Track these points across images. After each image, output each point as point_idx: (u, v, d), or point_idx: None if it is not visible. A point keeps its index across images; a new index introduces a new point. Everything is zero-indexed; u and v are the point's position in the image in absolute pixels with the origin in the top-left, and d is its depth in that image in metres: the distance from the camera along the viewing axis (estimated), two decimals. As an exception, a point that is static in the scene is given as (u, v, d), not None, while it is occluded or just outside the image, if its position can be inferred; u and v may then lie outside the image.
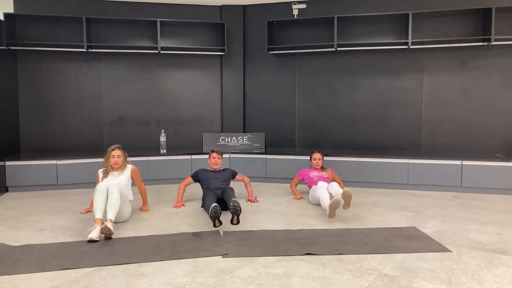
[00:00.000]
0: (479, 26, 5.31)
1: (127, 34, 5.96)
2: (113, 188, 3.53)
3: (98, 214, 3.37)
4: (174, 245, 3.13)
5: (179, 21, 5.96)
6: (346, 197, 3.80)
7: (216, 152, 4.52)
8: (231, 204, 3.60)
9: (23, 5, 5.71)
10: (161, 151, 5.74)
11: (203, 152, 5.76)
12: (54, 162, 5.22)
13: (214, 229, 3.50)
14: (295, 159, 5.53)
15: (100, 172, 4.03)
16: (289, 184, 4.99)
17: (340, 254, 2.93)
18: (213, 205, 3.49)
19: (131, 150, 4.76)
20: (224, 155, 5.04)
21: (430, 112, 5.64)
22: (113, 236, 3.28)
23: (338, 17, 5.57)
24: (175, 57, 6.19)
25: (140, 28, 5.97)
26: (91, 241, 3.18)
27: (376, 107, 5.85)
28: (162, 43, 5.87)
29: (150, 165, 5.51)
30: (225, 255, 2.93)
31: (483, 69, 5.40)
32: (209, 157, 4.52)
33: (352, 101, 5.96)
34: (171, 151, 5.85)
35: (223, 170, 4.53)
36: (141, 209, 4.21)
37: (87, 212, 4.09)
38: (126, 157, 4.08)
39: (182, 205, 4.37)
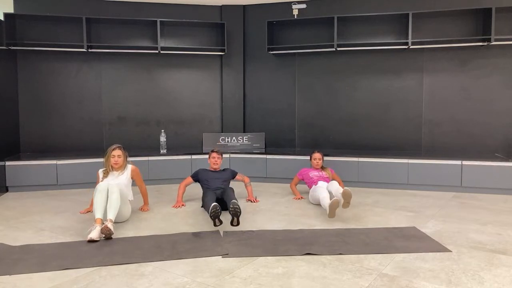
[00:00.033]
0: (479, 26, 5.31)
1: (127, 34, 5.96)
2: (113, 188, 3.53)
3: (98, 214, 3.37)
4: (174, 245, 3.13)
5: (179, 21, 5.96)
6: (346, 196, 3.80)
7: (216, 152, 4.52)
8: (231, 206, 3.58)
9: (23, 5, 5.71)
10: (161, 151, 5.74)
11: (203, 152, 5.76)
12: (54, 162, 5.22)
13: (214, 229, 3.50)
14: (295, 159, 5.53)
15: (100, 172, 4.03)
16: (289, 184, 5.00)
17: (340, 254, 2.93)
18: (213, 204, 3.49)
19: (131, 150, 4.76)
20: (224, 155, 5.05)
21: (430, 112, 5.64)
22: (113, 236, 3.29)
23: (338, 17, 5.57)
24: (175, 57, 6.19)
25: (140, 28, 5.97)
26: (91, 241, 3.18)
27: (376, 107, 5.85)
28: (162, 43, 5.87)
29: (150, 165, 5.51)
30: (225, 255, 2.93)
31: (483, 69, 5.40)
32: (209, 157, 4.52)
33: (352, 101, 5.96)
34: (171, 151, 5.85)
35: (223, 170, 4.53)
36: (141, 209, 4.21)
37: (87, 212, 4.09)
38: (126, 157, 4.08)
39: (182, 205, 4.37)
